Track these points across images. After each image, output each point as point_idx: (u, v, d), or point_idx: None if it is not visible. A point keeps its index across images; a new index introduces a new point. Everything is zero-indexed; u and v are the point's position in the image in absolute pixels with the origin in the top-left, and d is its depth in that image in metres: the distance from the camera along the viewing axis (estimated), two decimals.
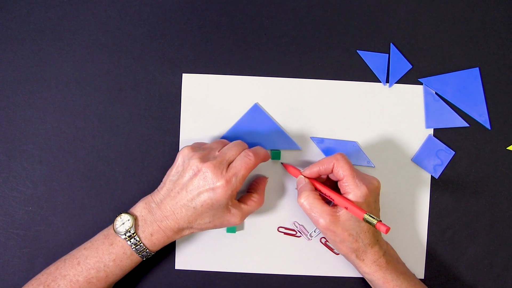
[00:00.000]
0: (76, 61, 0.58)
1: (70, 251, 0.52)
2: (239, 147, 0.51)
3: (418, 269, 0.57)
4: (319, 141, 0.57)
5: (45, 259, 0.56)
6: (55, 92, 0.57)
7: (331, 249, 0.57)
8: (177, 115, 0.57)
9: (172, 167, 0.51)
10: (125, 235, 0.49)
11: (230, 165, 0.49)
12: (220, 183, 0.48)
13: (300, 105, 0.58)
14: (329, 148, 0.57)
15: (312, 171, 0.53)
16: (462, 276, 0.58)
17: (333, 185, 0.55)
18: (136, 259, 0.50)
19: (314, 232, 0.57)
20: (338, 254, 0.57)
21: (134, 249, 0.49)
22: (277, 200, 0.57)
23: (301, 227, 0.57)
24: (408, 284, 0.51)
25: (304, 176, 0.53)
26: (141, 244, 0.49)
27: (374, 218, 0.48)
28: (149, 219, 0.50)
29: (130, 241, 0.49)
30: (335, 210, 0.50)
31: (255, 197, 0.53)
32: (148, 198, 0.51)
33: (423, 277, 0.57)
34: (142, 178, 0.57)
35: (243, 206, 0.51)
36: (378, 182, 0.52)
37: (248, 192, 0.54)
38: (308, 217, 0.51)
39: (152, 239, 0.50)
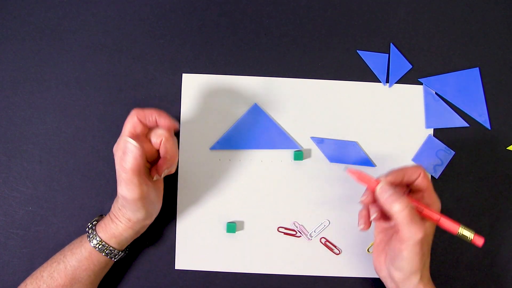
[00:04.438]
0: (76, 61, 0.58)
1: None
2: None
3: None
4: (319, 141, 0.57)
5: (45, 259, 0.56)
6: (55, 92, 0.57)
7: (331, 249, 0.57)
8: (177, 115, 0.57)
9: None
10: (87, 227, 0.52)
11: None
12: None
13: (300, 105, 0.58)
14: (329, 148, 0.57)
15: (396, 179, 0.48)
16: (462, 276, 0.58)
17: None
18: (87, 245, 0.51)
19: (314, 232, 0.57)
20: (338, 254, 0.57)
21: (88, 235, 0.51)
22: (277, 200, 0.57)
23: (301, 227, 0.57)
24: None
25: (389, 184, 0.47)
26: (91, 228, 0.51)
27: (470, 230, 0.45)
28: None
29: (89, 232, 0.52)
30: (423, 223, 0.46)
31: None
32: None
33: None
34: None
35: None
36: None
37: None
38: (400, 227, 0.44)
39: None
